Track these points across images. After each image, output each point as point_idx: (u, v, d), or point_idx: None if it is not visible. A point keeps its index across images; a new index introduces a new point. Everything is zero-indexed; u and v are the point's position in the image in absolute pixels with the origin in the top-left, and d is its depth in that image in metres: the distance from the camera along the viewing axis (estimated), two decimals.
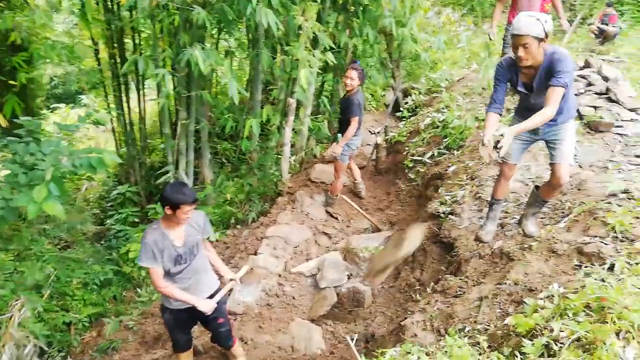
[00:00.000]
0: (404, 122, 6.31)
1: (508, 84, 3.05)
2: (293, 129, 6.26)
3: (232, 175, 7.17)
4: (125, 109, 8.76)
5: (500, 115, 3.06)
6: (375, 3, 6.44)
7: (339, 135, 5.02)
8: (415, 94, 7.06)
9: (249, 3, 4.67)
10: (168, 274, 2.89)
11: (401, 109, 7.17)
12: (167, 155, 6.46)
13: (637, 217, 2.88)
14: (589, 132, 4.71)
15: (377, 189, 5.95)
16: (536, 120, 2.74)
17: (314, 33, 5.40)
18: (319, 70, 6.68)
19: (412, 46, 6.97)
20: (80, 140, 10.64)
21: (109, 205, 8.45)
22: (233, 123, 6.03)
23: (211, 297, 3.08)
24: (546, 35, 2.71)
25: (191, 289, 2.99)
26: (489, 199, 3.49)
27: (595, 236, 2.89)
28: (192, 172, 6.56)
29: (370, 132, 7.23)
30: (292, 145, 6.71)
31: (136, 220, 7.35)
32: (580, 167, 4.11)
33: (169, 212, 2.73)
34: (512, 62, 2.94)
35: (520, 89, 3.02)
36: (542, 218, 3.54)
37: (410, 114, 6.76)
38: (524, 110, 3.05)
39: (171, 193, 2.70)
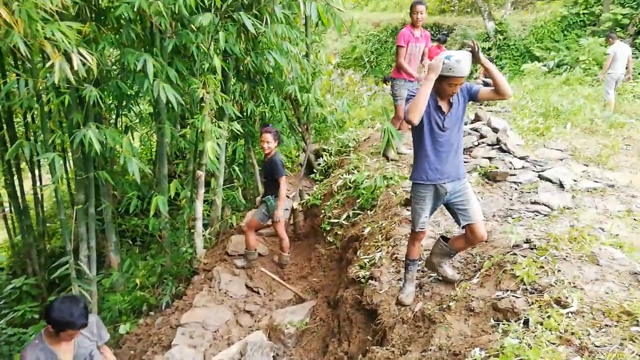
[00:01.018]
0: (317, 185, 6.33)
1: None
2: (205, 201, 6.02)
3: (142, 255, 6.66)
4: (19, 193, 7.94)
5: None
6: (278, 71, 6.60)
7: (270, 197, 5.05)
8: (325, 155, 7.18)
9: (145, 78, 4.53)
10: None
11: (314, 170, 7.22)
12: (65, 244, 5.84)
13: (542, 267, 3.00)
14: (487, 183, 5.01)
15: (298, 255, 5.80)
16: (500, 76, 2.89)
17: (218, 104, 5.34)
18: (228, 139, 6.61)
19: (318, 110, 7.19)
20: None
21: (1, 302, 7.43)
22: (138, 201, 5.65)
23: None
24: None
25: None
26: (405, 259, 3.49)
27: (507, 290, 2.95)
28: (95, 258, 5.97)
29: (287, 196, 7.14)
30: (208, 216, 6.45)
31: (35, 316, 6.51)
32: (486, 219, 4.29)
33: (52, 330, 2.35)
34: None
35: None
36: (458, 273, 3.59)
37: (322, 176, 6.83)
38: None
39: (57, 313, 2.33)
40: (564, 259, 3.07)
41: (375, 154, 6.03)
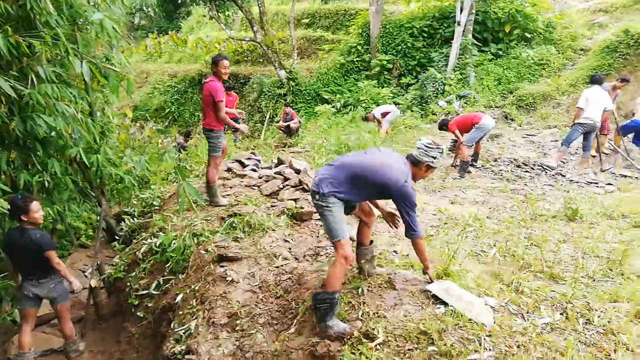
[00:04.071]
0: (119, 254, 5.64)
1: None
2: None
3: None
4: None
5: None
6: (57, 134, 5.79)
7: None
8: (127, 218, 6.51)
9: None
10: None
11: (116, 237, 6.47)
12: None
13: (350, 302, 3.11)
14: (296, 223, 5.15)
15: (105, 340, 5.01)
16: None
17: None
18: None
19: (111, 170, 6.53)
20: None
21: None
22: None
23: None
24: None
25: None
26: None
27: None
28: None
29: (84, 273, 6.22)
30: None
31: None
32: (297, 259, 4.36)
33: None
34: None
35: None
36: (275, 324, 3.52)
37: (124, 243, 6.14)
38: None
39: None
40: (368, 289, 3.25)
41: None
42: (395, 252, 4.14)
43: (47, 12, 4.84)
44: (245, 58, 18.37)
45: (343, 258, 2.97)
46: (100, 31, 4.83)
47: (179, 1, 23.32)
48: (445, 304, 2.93)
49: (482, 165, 8.03)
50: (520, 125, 10.98)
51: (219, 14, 15.82)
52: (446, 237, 4.62)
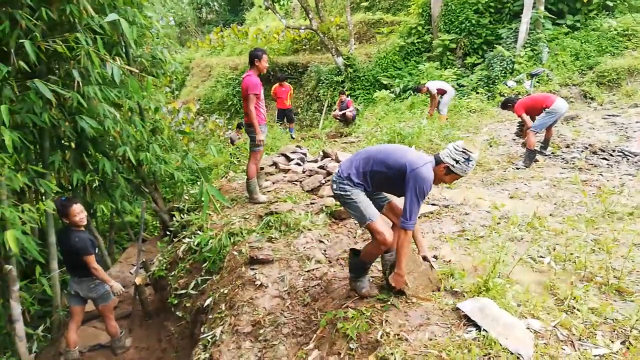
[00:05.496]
0: (161, 252, 5.72)
1: None
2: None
3: None
4: None
5: None
6: (107, 134, 5.98)
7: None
8: (177, 214, 6.62)
9: None
10: None
11: (167, 232, 6.61)
12: None
13: (371, 319, 2.82)
14: (334, 222, 4.89)
15: (149, 337, 5.11)
16: None
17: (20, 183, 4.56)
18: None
19: (162, 167, 6.65)
20: None
21: None
22: None
23: None
24: None
25: None
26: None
27: (339, 353, 2.71)
28: None
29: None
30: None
31: None
32: (330, 262, 4.11)
33: None
34: None
35: None
36: (299, 335, 3.31)
37: (176, 238, 6.24)
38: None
39: None
40: (392, 304, 2.93)
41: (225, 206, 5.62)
42: (435, 257, 3.74)
43: (88, 16, 4.93)
44: (304, 47, 18.20)
45: (381, 243, 2.92)
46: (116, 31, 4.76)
47: None
48: (478, 326, 2.54)
49: (552, 153, 7.22)
50: (601, 105, 9.81)
51: (274, 3, 15.73)
52: (499, 238, 4.14)
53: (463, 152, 2.73)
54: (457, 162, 2.75)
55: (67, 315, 5.40)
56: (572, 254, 3.67)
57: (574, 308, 2.81)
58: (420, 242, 3.35)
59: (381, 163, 2.92)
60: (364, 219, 2.91)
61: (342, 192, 2.99)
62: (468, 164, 2.74)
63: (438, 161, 2.84)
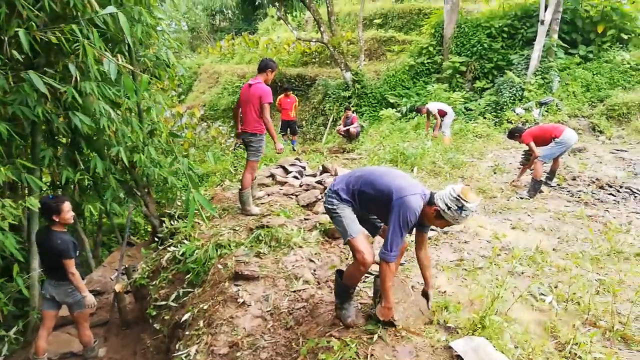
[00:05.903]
0: (145, 260, 5.49)
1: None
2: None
3: None
4: None
5: None
6: (102, 132, 5.81)
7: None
8: (167, 220, 6.40)
9: None
10: None
11: (155, 238, 6.39)
12: None
13: (356, 353, 2.59)
14: (327, 241, 4.67)
15: (125, 348, 4.87)
16: None
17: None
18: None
19: (155, 170, 6.47)
20: None
21: None
22: None
23: None
24: None
25: None
26: None
27: None
28: None
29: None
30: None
31: None
32: (319, 284, 3.89)
33: None
34: None
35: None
36: None
37: (162, 245, 6.02)
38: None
39: None
40: (379, 337, 2.71)
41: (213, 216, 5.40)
42: None
43: (92, 10, 4.78)
44: (313, 59, 18.14)
45: (360, 263, 2.76)
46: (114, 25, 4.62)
47: (256, 3, 23.75)
48: None
49: (558, 184, 7.01)
50: (609, 139, 9.63)
51: (287, 14, 15.70)
52: (498, 271, 3.92)
53: (457, 199, 2.46)
54: (448, 208, 2.50)
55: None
56: (575, 293, 3.44)
57: (576, 355, 2.58)
58: (427, 277, 3.03)
59: (370, 184, 2.79)
60: (346, 235, 2.81)
61: (329, 206, 2.93)
62: (461, 213, 2.47)
63: (430, 202, 2.61)
